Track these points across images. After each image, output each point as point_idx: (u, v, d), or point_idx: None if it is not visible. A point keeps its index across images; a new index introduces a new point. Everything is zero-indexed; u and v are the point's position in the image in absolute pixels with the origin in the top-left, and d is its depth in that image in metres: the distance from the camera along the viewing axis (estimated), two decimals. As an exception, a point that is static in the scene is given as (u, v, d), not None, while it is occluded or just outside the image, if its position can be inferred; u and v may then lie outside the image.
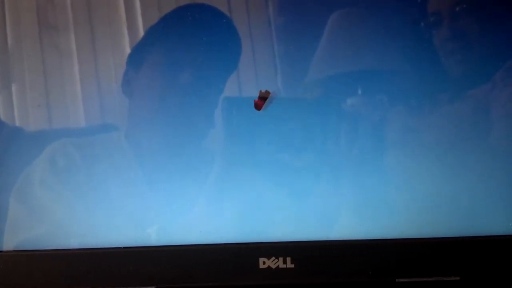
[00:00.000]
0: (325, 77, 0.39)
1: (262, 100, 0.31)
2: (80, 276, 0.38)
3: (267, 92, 0.31)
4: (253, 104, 0.31)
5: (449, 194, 0.39)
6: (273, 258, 0.38)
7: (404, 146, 0.39)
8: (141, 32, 0.38)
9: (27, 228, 0.39)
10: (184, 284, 0.39)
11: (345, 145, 0.39)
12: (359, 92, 0.38)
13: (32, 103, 0.39)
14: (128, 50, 0.38)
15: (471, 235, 0.38)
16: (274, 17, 0.38)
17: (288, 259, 0.38)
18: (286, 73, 0.38)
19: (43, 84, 0.38)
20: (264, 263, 0.38)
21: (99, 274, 0.38)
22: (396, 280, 0.38)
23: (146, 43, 0.38)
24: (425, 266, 0.38)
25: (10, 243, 0.39)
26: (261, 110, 0.31)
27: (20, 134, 0.39)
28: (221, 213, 0.39)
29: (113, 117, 0.39)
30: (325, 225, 0.39)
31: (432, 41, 0.38)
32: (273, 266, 0.38)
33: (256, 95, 0.38)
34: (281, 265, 0.38)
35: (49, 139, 0.39)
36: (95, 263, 0.39)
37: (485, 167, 0.39)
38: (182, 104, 0.39)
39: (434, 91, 0.38)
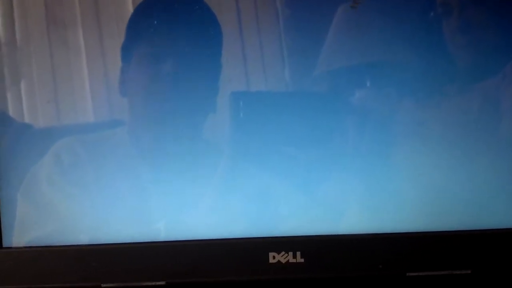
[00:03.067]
0: (333, 70, 0.39)
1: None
2: (89, 272, 0.38)
3: None
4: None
5: (460, 187, 0.39)
6: (283, 252, 0.38)
7: (413, 139, 0.39)
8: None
9: (36, 224, 0.40)
10: (194, 279, 0.39)
11: (354, 138, 0.39)
12: (368, 85, 0.38)
13: (41, 99, 0.39)
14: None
15: (482, 228, 0.38)
16: (282, 10, 0.38)
17: (298, 254, 0.38)
18: (294, 66, 0.38)
19: (52, 80, 0.39)
20: (274, 257, 0.38)
21: (109, 270, 0.38)
22: (407, 274, 0.38)
23: (148, 37, 0.38)
24: (435, 259, 0.38)
25: (20, 239, 0.39)
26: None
27: (29, 131, 0.39)
28: (230, 208, 0.39)
29: (122, 113, 0.39)
30: (335, 219, 0.39)
31: (441, 34, 0.38)
32: (283, 261, 0.38)
33: (263, 89, 0.38)
34: (291, 260, 0.38)
35: (58, 136, 0.39)
36: (104, 258, 0.39)
37: (495, 160, 0.39)
38: (188, 99, 0.39)
39: (442, 85, 0.38)
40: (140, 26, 0.38)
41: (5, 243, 0.39)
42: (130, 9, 0.38)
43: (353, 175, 0.39)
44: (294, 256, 0.38)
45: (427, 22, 0.38)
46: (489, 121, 0.38)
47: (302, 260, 0.38)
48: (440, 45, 0.38)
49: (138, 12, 0.38)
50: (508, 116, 0.38)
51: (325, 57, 0.38)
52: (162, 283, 0.38)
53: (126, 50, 0.38)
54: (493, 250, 0.38)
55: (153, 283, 0.38)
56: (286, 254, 0.38)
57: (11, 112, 0.39)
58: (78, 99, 0.39)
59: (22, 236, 0.40)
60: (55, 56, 0.38)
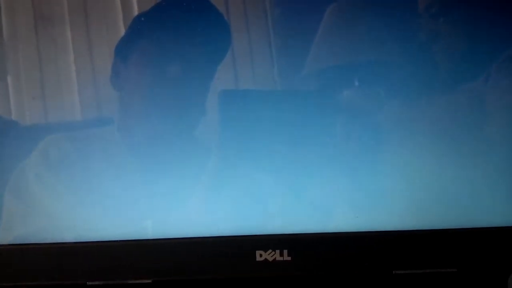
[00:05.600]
0: (321, 69, 0.39)
1: None
2: (75, 270, 0.38)
3: None
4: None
5: (446, 186, 0.39)
6: (270, 250, 0.38)
7: (401, 138, 0.39)
8: (137, 24, 0.38)
9: (22, 221, 0.39)
10: (180, 277, 0.39)
11: (342, 137, 0.39)
12: (356, 84, 0.38)
13: (27, 96, 0.38)
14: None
15: (468, 227, 0.38)
16: (270, 9, 0.38)
17: (285, 252, 0.38)
18: (283, 65, 0.38)
19: (38, 77, 0.38)
20: (261, 255, 0.38)
21: (95, 268, 0.38)
22: (393, 271, 0.38)
23: (137, 33, 0.38)
24: (422, 257, 0.38)
25: (5, 237, 0.39)
26: None
27: (15, 127, 0.39)
28: (218, 205, 0.39)
29: (109, 110, 0.39)
30: (322, 217, 0.39)
31: (430, 33, 0.38)
32: (270, 259, 0.38)
33: (253, 88, 0.38)
34: (278, 258, 0.38)
35: (44, 132, 0.39)
36: (90, 256, 0.38)
37: (481, 159, 0.39)
38: (177, 97, 0.39)
39: (431, 83, 0.38)
40: (129, 23, 0.38)
41: (-10, 241, 0.39)
42: (118, 5, 0.38)
43: (341, 173, 0.39)
44: (281, 254, 0.38)
45: (416, 21, 0.38)
46: (477, 120, 0.39)
47: (289, 258, 0.38)
48: (429, 44, 0.38)
49: (127, 10, 0.38)
50: (496, 115, 0.39)
51: (314, 56, 0.38)
52: (149, 281, 0.38)
53: (114, 47, 0.38)
54: (479, 248, 0.38)
55: (140, 281, 0.38)
56: (273, 252, 0.38)
57: (-3, 108, 0.39)
58: (66, 96, 0.39)
59: (7, 233, 0.39)
60: (42, 52, 0.38)
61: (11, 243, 0.39)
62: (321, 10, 0.38)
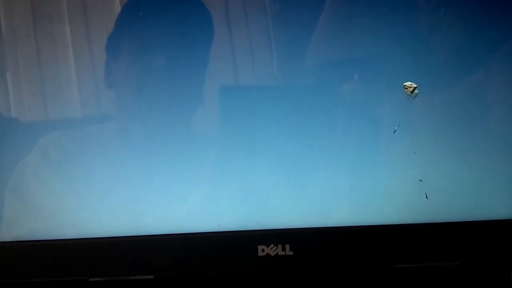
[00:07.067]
0: (321, 64, 0.38)
1: None
2: (77, 266, 0.38)
3: None
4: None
5: (448, 179, 0.39)
6: (272, 245, 0.38)
7: (402, 132, 0.39)
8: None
9: (24, 218, 0.39)
10: (182, 273, 0.39)
11: (343, 131, 0.39)
12: (356, 78, 0.38)
13: (27, 93, 0.38)
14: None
15: (470, 220, 0.38)
16: (270, 3, 0.38)
17: (287, 247, 0.38)
18: (283, 60, 0.38)
19: (38, 73, 0.38)
20: (263, 250, 0.38)
21: (97, 264, 0.38)
22: (396, 265, 0.38)
23: (135, 29, 0.38)
24: (424, 251, 0.38)
25: (7, 234, 0.39)
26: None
27: (14, 124, 0.39)
28: (219, 201, 0.39)
29: (109, 106, 0.39)
30: (324, 212, 0.39)
31: (430, 27, 0.38)
32: (272, 254, 0.38)
33: (253, 83, 0.38)
34: (280, 253, 0.38)
35: (43, 129, 0.39)
36: (92, 252, 0.38)
37: (483, 152, 0.39)
38: (177, 93, 0.38)
39: (430, 77, 0.38)
40: (128, 19, 0.38)
41: (-8, 238, 0.39)
42: (117, 2, 0.38)
43: (343, 167, 0.39)
44: (283, 249, 0.38)
45: (416, 15, 0.38)
46: (479, 113, 0.39)
47: (291, 253, 0.38)
48: (429, 39, 0.38)
49: (126, 5, 0.38)
50: (498, 108, 0.39)
51: (314, 50, 0.38)
52: (151, 276, 0.38)
53: (113, 43, 0.38)
54: (481, 242, 0.38)
55: (142, 277, 0.38)
56: (275, 247, 0.38)
57: (-3, 105, 0.39)
58: (65, 92, 0.38)
59: (9, 230, 0.39)
60: (41, 49, 0.38)
61: (13, 240, 0.39)
62: (320, 4, 0.38)
